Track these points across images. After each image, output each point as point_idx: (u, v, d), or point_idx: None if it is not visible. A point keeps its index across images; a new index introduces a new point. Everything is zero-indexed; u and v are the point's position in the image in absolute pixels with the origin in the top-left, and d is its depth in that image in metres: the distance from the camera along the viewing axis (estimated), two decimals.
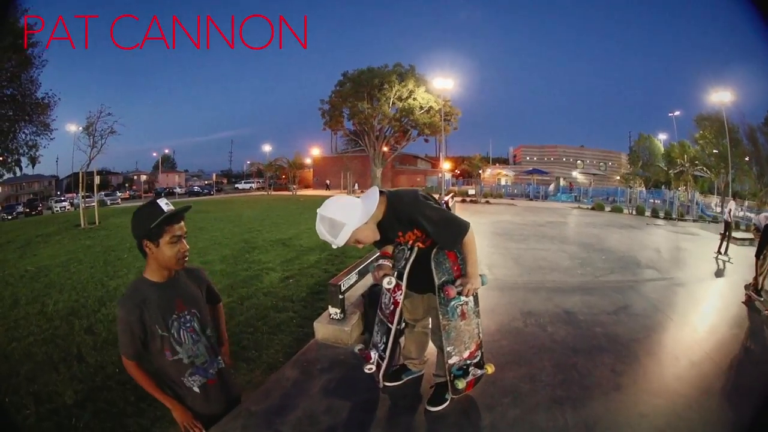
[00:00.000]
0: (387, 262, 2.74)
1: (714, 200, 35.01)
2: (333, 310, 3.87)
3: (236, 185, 56.59)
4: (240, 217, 16.90)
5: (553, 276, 6.91)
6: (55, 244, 12.24)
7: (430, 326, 2.87)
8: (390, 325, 2.79)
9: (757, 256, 5.70)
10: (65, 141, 20.17)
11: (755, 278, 5.58)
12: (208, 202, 26.97)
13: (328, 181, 44.31)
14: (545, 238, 11.48)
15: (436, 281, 2.52)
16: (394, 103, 35.29)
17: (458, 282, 2.49)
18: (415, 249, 2.57)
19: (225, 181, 66.60)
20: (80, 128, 18.49)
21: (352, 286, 4.20)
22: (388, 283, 2.66)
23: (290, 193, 38.71)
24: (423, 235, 2.42)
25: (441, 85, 27.81)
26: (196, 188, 52.15)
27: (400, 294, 2.69)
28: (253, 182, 53.63)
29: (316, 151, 45.49)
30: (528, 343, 3.88)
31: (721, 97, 30.13)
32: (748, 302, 5.44)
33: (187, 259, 2.05)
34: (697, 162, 34.76)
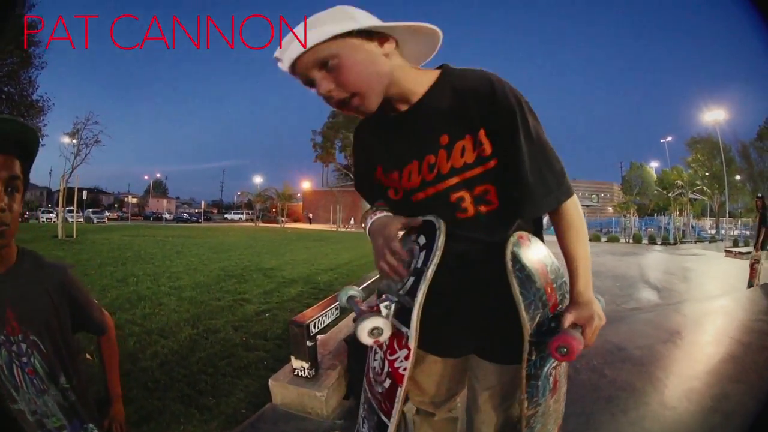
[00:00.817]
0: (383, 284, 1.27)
1: (708, 222, 35.66)
2: (298, 364, 2.72)
3: (225, 215, 56.31)
4: (221, 244, 16.11)
5: None
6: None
7: (458, 409, 1.58)
8: (384, 418, 1.25)
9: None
10: (59, 152, 19.88)
11: None
12: (193, 228, 26.44)
13: (310, 215, 43.88)
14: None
15: (526, 321, 1.11)
16: None
17: (570, 317, 1.11)
18: (460, 226, 1.15)
19: (215, 210, 66.32)
20: (65, 133, 18.16)
21: (330, 326, 3.05)
22: (372, 333, 1.07)
23: (278, 225, 38.12)
24: (487, 168, 1.13)
25: None
26: (184, 215, 51.85)
27: (405, 357, 1.17)
28: (242, 213, 53.32)
29: (306, 184, 45.37)
30: (593, 397, 3.10)
31: (714, 115, 31.17)
32: None
33: (3, 229, 1.07)
34: (697, 183, 35.56)
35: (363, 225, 1.33)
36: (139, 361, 4.01)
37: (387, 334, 1.09)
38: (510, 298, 1.10)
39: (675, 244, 24.45)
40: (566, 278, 1.20)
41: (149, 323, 5.43)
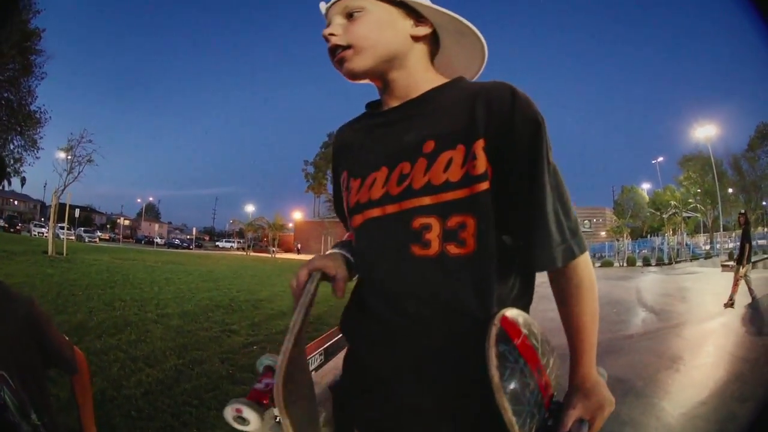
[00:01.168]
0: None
1: (702, 239, 35.66)
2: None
3: (217, 243, 56.03)
4: (211, 273, 15.92)
5: None
6: (17, 264, 11.86)
7: None
8: None
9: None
10: (53, 167, 19.85)
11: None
12: (183, 255, 26.28)
13: (299, 245, 43.84)
14: (545, 299, 11.04)
15: (512, 419, 0.75)
16: None
17: (576, 412, 0.87)
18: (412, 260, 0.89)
19: (207, 238, 65.96)
20: (59, 149, 18.24)
21: (316, 368, 2.98)
22: (237, 421, 0.82)
23: (269, 255, 37.97)
24: (474, 192, 0.86)
25: None
26: (176, 241, 51.59)
27: None
28: (233, 241, 53.09)
29: (297, 215, 45.50)
30: None
31: (705, 131, 31.70)
32: None
33: None
34: (690, 201, 35.78)
35: None
36: (122, 389, 3.96)
37: (256, 425, 0.82)
38: (486, 402, 0.75)
39: (670, 263, 24.49)
40: (556, 352, 0.91)
41: (135, 350, 5.36)
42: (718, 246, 31.93)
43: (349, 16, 0.94)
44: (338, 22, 0.95)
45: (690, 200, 36.24)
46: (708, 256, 27.50)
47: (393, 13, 0.95)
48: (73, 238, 18.16)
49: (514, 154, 0.85)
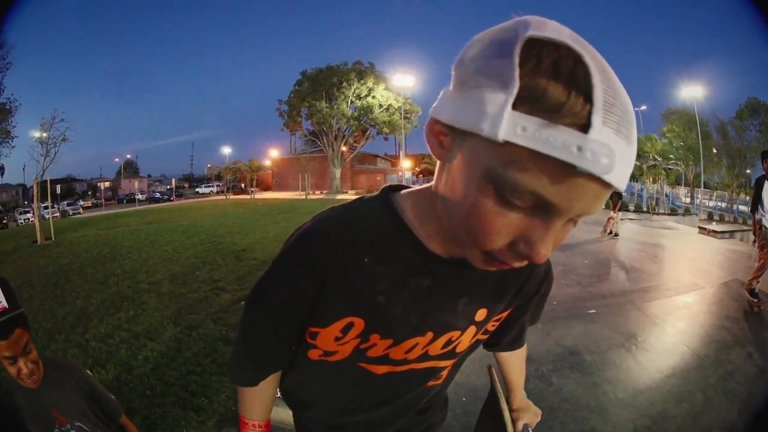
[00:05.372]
0: None
1: (683, 191, 35.90)
2: None
3: (197, 189, 55.48)
4: (193, 227, 16.26)
5: None
6: (11, 264, 11.76)
7: None
8: None
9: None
10: (29, 149, 19.42)
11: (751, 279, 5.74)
12: (165, 210, 26.24)
13: (276, 181, 44.05)
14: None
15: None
16: (352, 102, 35.31)
17: (520, 420, 1.15)
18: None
19: (186, 185, 65.19)
20: (33, 137, 17.83)
21: None
22: None
23: (249, 196, 38.17)
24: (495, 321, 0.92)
25: (401, 82, 27.90)
26: (156, 194, 50.90)
27: None
28: (212, 186, 52.63)
29: (274, 153, 45.06)
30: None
31: (692, 92, 31.03)
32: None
33: (35, 378, 1.50)
34: (671, 156, 35.46)
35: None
36: (133, 369, 4.38)
37: None
38: None
39: (648, 212, 24.44)
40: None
41: (135, 326, 5.77)
42: (698, 203, 31.49)
43: (566, 222, 0.58)
44: (559, 226, 0.57)
45: (671, 155, 35.26)
46: (687, 212, 26.92)
47: None
48: (58, 215, 18.00)
49: (523, 314, 0.97)
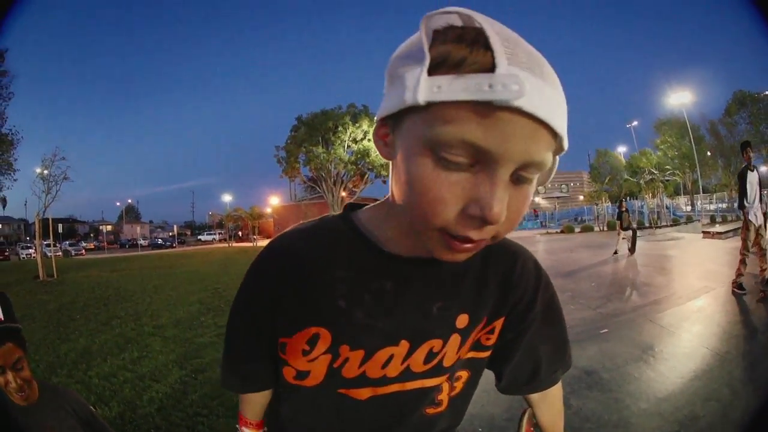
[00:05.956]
0: None
1: (683, 200, 35.52)
2: None
3: (199, 237, 55.79)
4: (197, 274, 16.25)
5: None
6: (13, 295, 11.18)
7: None
8: None
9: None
10: (31, 184, 19.62)
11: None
12: (167, 256, 26.24)
13: (278, 229, 44.31)
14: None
15: None
16: (349, 146, 35.98)
17: None
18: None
19: (188, 232, 65.51)
20: (35, 172, 18.09)
21: None
22: None
23: (251, 243, 38.22)
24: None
25: None
26: (158, 241, 51.23)
27: None
28: (215, 233, 52.93)
29: (275, 200, 45.51)
30: None
31: (680, 98, 31.40)
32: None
33: (24, 395, 1.45)
34: (667, 167, 35.32)
35: None
36: (137, 408, 4.30)
37: None
38: None
39: (650, 227, 24.28)
40: None
41: (140, 368, 5.70)
42: (699, 208, 31.69)
43: (517, 181, 0.55)
44: (506, 189, 0.54)
45: (667, 166, 35.45)
46: (689, 219, 26.88)
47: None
48: (60, 254, 18.01)
49: (524, 324, 0.85)
